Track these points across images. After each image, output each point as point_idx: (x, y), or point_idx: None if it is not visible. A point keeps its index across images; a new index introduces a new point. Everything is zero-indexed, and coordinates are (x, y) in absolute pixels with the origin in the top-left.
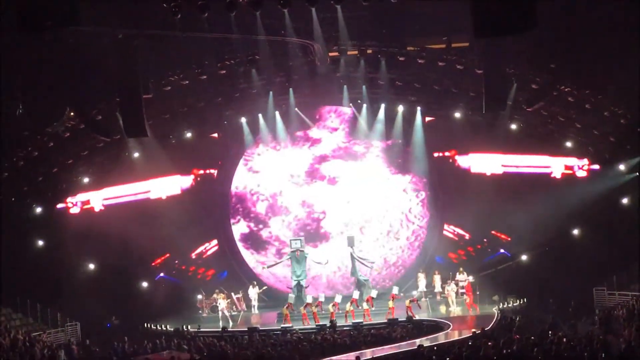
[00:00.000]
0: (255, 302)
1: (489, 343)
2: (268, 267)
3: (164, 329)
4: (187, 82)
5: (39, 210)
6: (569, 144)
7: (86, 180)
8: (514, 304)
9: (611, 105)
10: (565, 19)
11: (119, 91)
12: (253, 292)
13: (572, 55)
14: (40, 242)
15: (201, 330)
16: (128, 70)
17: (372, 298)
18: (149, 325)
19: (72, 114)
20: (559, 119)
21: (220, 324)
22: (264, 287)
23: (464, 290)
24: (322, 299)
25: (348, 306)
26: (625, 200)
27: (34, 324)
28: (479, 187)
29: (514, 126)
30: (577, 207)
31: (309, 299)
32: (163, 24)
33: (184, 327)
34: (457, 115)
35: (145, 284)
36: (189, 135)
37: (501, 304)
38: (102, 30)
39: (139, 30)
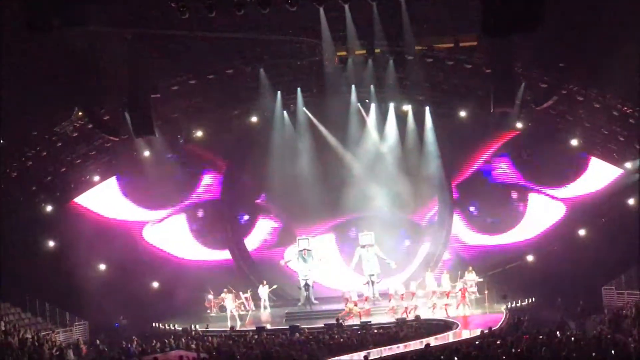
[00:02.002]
0: (266, 302)
1: (497, 342)
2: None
3: (173, 328)
4: (194, 81)
5: (48, 209)
6: (574, 142)
7: (96, 178)
8: (522, 304)
9: (620, 104)
10: (574, 17)
11: (127, 91)
12: (263, 291)
13: (581, 54)
14: (49, 242)
15: (209, 329)
16: (136, 70)
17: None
18: (157, 325)
19: (80, 113)
20: (567, 118)
21: (229, 323)
22: (274, 286)
23: (474, 289)
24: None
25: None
26: (631, 201)
27: (43, 323)
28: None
29: (519, 125)
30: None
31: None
32: (171, 23)
33: (192, 326)
34: (466, 114)
35: (156, 284)
36: (197, 135)
37: (509, 303)
38: (110, 30)
39: (146, 31)
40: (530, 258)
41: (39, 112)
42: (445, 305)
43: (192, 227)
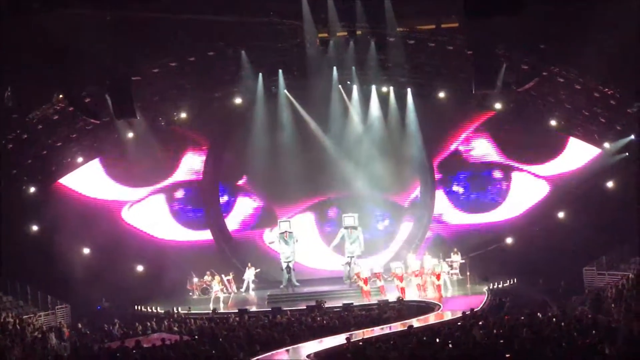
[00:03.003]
0: (251, 284)
1: (479, 323)
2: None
3: (155, 311)
4: (175, 64)
5: (29, 192)
6: (553, 123)
7: (80, 159)
8: (504, 285)
9: (601, 85)
10: None
11: (107, 73)
12: (249, 273)
13: (562, 36)
14: (31, 225)
15: (192, 312)
16: (116, 52)
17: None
18: (139, 308)
19: (60, 96)
20: (548, 100)
21: (211, 305)
22: (257, 270)
23: (456, 271)
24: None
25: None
26: (610, 184)
27: (25, 306)
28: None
29: (500, 106)
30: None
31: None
32: (151, 6)
33: (175, 309)
34: (447, 95)
35: (140, 268)
36: (178, 117)
37: (491, 284)
38: (90, 12)
39: (127, 13)
40: (509, 240)
41: (19, 95)
42: (418, 285)
43: (172, 207)
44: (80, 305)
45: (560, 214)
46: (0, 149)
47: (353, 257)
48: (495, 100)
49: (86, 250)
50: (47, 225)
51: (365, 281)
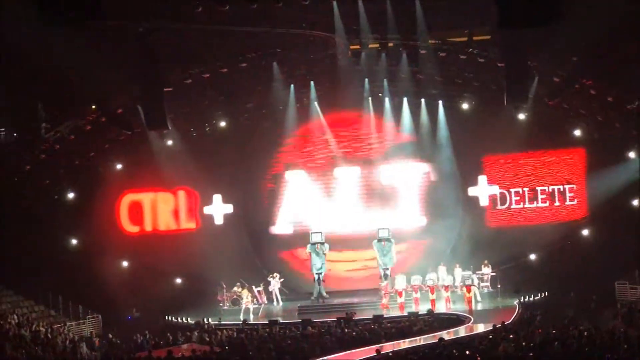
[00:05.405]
0: (277, 295)
1: (510, 337)
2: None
3: (185, 321)
4: (208, 75)
5: (60, 202)
6: (577, 133)
7: (110, 170)
8: (535, 298)
9: (634, 98)
10: (587, 11)
11: (140, 84)
12: (274, 283)
13: (594, 48)
14: (63, 235)
15: (222, 323)
16: (149, 63)
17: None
18: (170, 318)
19: (93, 107)
20: (580, 112)
21: (241, 316)
22: (282, 279)
23: (487, 283)
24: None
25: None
26: (635, 202)
27: (56, 316)
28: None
29: (523, 117)
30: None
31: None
32: (184, 17)
33: (205, 319)
34: (479, 108)
35: (179, 280)
36: (209, 128)
37: (522, 297)
38: (123, 23)
39: (160, 24)
40: (533, 257)
41: (52, 105)
42: (447, 298)
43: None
44: (111, 315)
45: (590, 228)
46: (33, 160)
47: (387, 269)
48: (527, 113)
49: (126, 263)
50: (82, 236)
51: (400, 294)
